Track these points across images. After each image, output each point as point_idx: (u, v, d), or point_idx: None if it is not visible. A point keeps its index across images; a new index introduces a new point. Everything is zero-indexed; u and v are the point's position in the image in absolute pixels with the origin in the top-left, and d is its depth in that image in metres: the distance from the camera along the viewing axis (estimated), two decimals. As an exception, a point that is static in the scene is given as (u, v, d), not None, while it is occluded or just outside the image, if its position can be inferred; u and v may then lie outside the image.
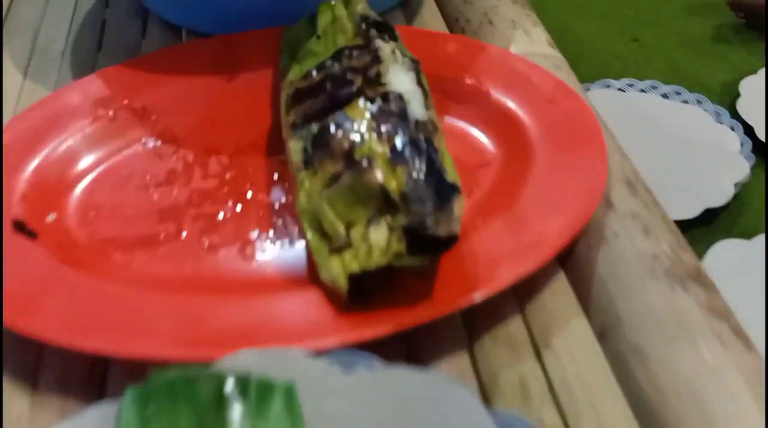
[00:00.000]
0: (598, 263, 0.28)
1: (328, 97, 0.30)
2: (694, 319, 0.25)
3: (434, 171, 0.27)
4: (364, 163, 0.27)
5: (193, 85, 0.36)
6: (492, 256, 0.27)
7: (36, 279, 0.27)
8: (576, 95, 0.34)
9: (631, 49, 1.11)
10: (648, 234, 0.29)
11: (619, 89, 1.05)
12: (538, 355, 0.26)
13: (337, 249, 0.26)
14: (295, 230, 0.30)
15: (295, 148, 0.29)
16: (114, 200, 0.32)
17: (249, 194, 0.32)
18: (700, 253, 0.81)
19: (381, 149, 0.28)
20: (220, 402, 0.20)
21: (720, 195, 0.84)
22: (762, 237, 0.76)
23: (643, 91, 1.01)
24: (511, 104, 0.34)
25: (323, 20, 0.35)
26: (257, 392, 0.20)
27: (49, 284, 0.27)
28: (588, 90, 1.03)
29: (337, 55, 0.32)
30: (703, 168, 0.85)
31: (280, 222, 0.31)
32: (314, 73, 0.32)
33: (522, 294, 0.27)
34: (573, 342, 0.26)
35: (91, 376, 0.25)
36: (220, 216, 0.31)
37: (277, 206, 0.31)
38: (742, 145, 0.91)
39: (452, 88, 0.36)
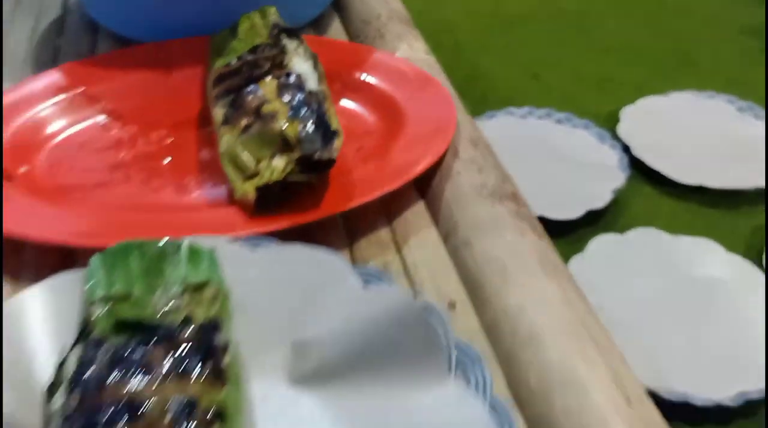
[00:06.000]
0: (446, 191, 0.38)
1: (244, 76, 0.40)
2: (504, 220, 0.35)
3: (322, 122, 0.37)
4: (270, 116, 0.37)
5: (137, 78, 0.45)
6: (366, 180, 0.37)
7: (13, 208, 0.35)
8: (438, 84, 0.45)
9: (531, 84, 1.26)
10: (481, 172, 0.39)
11: (521, 117, 1.19)
12: (399, 250, 0.35)
13: (248, 177, 0.35)
14: (218, 176, 0.39)
15: (217, 112, 0.39)
16: (73, 159, 0.40)
17: (183, 153, 0.41)
18: (585, 248, 0.93)
19: (283, 108, 0.37)
20: (162, 256, 0.29)
21: (600, 199, 0.98)
22: (634, 231, 0.88)
23: (540, 117, 1.16)
24: (391, 91, 0.45)
25: (243, 27, 0.45)
26: (190, 252, 0.29)
27: (24, 208, 0.35)
28: (494, 117, 1.17)
29: (253, 50, 0.42)
30: (586, 179, 0.99)
31: (207, 171, 0.40)
32: (233, 62, 0.41)
33: (390, 213, 0.37)
34: (424, 242, 0.36)
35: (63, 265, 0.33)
36: (160, 167, 0.40)
37: (205, 160, 0.40)
38: (619, 160, 1.06)
39: (348, 80, 0.46)
